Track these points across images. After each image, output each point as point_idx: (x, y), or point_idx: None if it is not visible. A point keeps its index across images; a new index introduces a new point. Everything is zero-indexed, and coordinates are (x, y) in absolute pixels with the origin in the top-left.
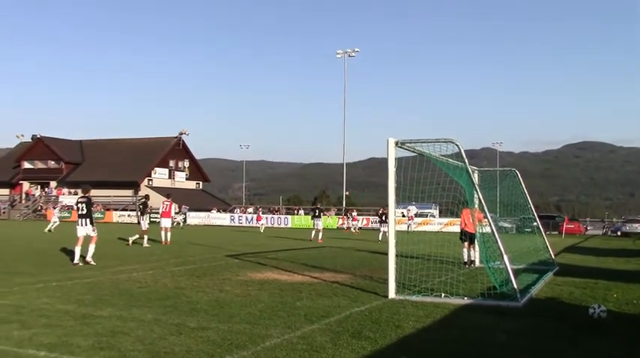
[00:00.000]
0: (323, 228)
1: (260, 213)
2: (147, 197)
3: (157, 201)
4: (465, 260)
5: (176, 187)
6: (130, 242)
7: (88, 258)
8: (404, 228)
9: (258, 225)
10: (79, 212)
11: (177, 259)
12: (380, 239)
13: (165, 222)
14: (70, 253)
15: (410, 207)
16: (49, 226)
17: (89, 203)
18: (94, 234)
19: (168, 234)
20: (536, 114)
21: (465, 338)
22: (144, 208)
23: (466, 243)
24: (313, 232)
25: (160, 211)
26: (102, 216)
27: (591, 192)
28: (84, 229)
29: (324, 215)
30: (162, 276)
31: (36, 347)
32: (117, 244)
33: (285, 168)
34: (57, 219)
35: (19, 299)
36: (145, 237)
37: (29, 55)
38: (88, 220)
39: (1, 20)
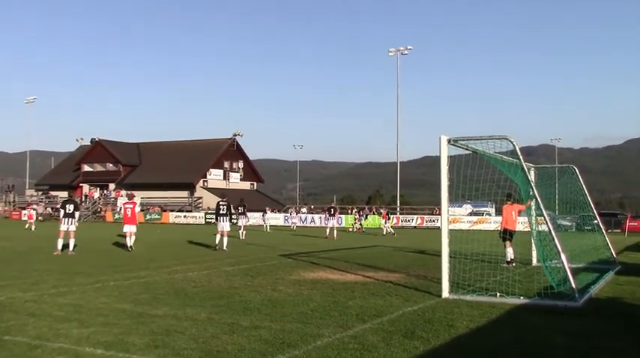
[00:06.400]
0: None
1: (386, 212)
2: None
3: (212, 202)
4: (512, 258)
5: (231, 188)
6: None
7: (224, 248)
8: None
9: (385, 226)
10: (221, 212)
11: (231, 259)
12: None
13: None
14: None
15: (465, 206)
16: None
17: (229, 206)
18: (228, 229)
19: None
20: (597, 109)
21: (521, 339)
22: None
23: (507, 242)
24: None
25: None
26: (159, 217)
27: None
28: (223, 225)
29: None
30: (216, 276)
31: (93, 345)
32: (174, 245)
33: (338, 168)
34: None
35: (78, 299)
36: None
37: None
38: (227, 218)
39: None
